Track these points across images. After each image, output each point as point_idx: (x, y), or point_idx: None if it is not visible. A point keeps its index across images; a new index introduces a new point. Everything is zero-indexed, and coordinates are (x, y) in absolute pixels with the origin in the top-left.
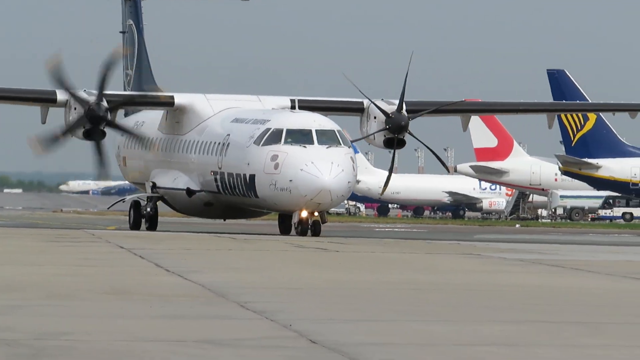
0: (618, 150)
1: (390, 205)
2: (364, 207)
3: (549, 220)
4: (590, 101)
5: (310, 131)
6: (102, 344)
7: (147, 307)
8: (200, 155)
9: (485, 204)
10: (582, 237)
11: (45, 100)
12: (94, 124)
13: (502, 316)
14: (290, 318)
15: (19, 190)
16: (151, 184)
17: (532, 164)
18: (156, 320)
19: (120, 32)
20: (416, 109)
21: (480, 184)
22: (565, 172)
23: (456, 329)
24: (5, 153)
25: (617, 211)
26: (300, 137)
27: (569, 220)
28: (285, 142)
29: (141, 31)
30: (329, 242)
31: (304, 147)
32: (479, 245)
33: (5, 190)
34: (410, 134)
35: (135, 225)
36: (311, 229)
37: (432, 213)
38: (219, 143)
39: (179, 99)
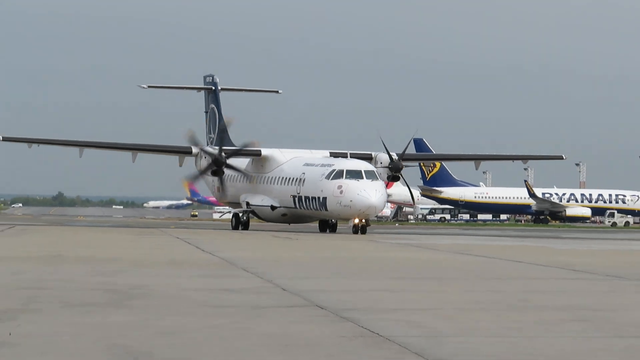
0: (452, 182)
1: None
2: None
3: (414, 221)
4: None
5: (360, 171)
6: (165, 290)
7: (191, 271)
8: (281, 185)
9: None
10: (431, 231)
11: (184, 152)
12: (218, 166)
13: (386, 275)
14: (272, 277)
15: (121, 207)
16: (245, 202)
17: (405, 190)
18: (196, 278)
19: (205, 112)
20: (409, 158)
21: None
22: (423, 195)
23: (361, 282)
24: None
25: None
26: (355, 174)
27: (425, 221)
28: (346, 177)
29: (220, 111)
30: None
31: (358, 180)
32: (375, 236)
33: (113, 207)
34: (400, 175)
35: (235, 227)
36: (361, 229)
37: None
38: (297, 178)
39: (264, 151)
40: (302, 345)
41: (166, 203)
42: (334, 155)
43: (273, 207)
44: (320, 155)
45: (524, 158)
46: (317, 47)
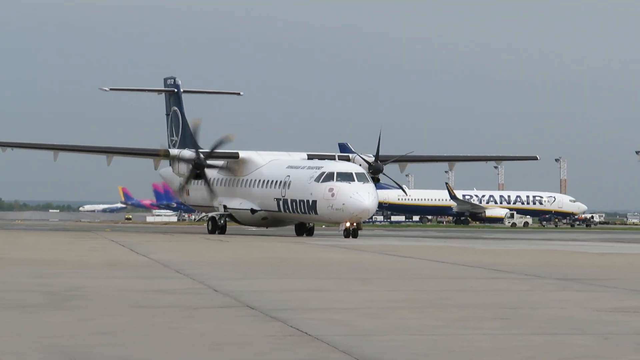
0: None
1: None
2: None
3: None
4: None
5: (351, 173)
6: (101, 292)
7: (126, 272)
8: (262, 188)
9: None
10: (363, 232)
11: (164, 155)
12: (199, 169)
13: (314, 275)
14: (205, 278)
15: (57, 211)
16: (222, 206)
17: None
18: (131, 279)
19: (166, 114)
20: (384, 159)
21: None
22: None
23: (291, 282)
24: (52, 188)
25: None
26: (346, 177)
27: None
28: (337, 180)
29: (184, 113)
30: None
31: (349, 183)
32: (306, 238)
33: (50, 211)
34: (384, 174)
35: (212, 232)
36: (353, 233)
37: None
38: (281, 181)
39: (242, 154)
40: (233, 344)
41: (101, 207)
42: (312, 157)
43: (253, 211)
44: (298, 157)
45: (498, 159)
46: (279, 48)
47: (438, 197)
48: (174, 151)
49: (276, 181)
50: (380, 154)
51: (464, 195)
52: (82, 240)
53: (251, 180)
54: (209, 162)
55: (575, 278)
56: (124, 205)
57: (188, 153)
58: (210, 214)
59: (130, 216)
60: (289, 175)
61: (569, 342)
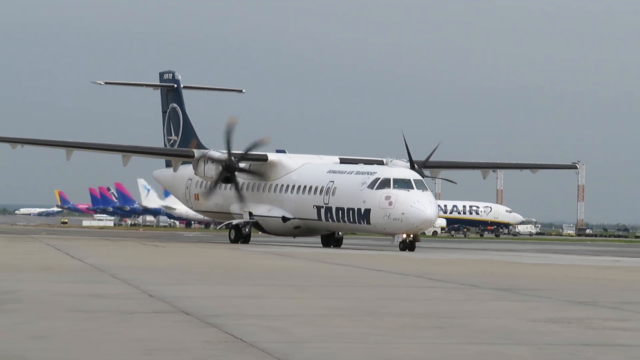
0: None
1: (192, 221)
2: (178, 222)
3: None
4: None
5: (409, 180)
6: (36, 295)
7: (61, 276)
8: (296, 194)
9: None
10: (298, 240)
11: (184, 156)
12: (230, 172)
13: (250, 282)
14: (140, 283)
15: None
16: (248, 213)
17: None
18: (66, 283)
19: (163, 111)
20: (424, 165)
21: None
22: None
23: (226, 288)
24: None
25: None
26: (403, 184)
27: None
28: (394, 187)
29: (184, 110)
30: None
31: (408, 191)
32: (240, 245)
33: None
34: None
35: (235, 240)
36: (410, 246)
37: (215, 225)
38: (322, 187)
39: (271, 156)
40: (168, 350)
41: (37, 210)
42: (344, 161)
43: (285, 219)
44: (330, 161)
45: (536, 167)
46: (280, 46)
47: None
48: (199, 152)
49: (315, 187)
50: (431, 160)
51: None
52: (17, 243)
53: (282, 185)
54: (241, 164)
55: (510, 288)
56: (60, 209)
57: (217, 154)
58: (234, 222)
59: (67, 220)
60: (332, 181)
61: (503, 352)
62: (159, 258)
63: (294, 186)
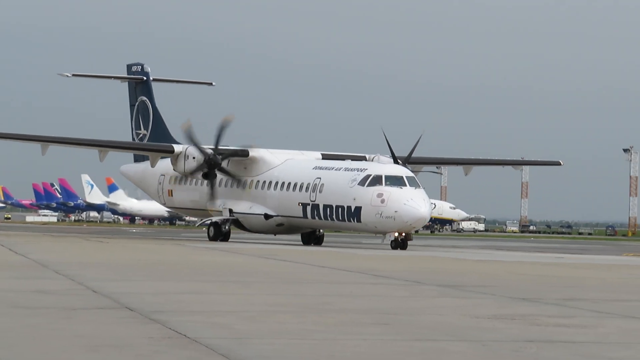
0: None
1: (136, 217)
2: (122, 218)
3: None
4: None
5: (402, 177)
6: None
7: (3, 272)
8: (280, 191)
9: (187, 217)
10: (240, 236)
11: (163, 151)
12: (211, 168)
13: (194, 278)
14: (84, 279)
15: None
16: (228, 210)
17: None
18: (8, 279)
19: (131, 105)
20: (414, 161)
21: None
22: None
23: (170, 284)
24: None
25: None
26: (396, 181)
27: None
28: (386, 184)
29: (154, 103)
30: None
31: (401, 188)
32: (184, 240)
33: None
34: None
35: (214, 238)
36: (402, 244)
37: (159, 221)
38: (308, 184)
39: (252, 152)
40: (112, 346)
41: None
42: (326, 157)
43: (267, 216)
44: (312, 157)
45: (520, 163)
46: (250, 38)
47: None
48: (179, 147)
49: (301, 184)
50: (414, 156)
51: None
52: None
53: (264, 181)
54: (223, 163)
55: (454, 285)
56: (3, 205)
57: (197, 150)
58: (214, 219)
59: (10, 216)
60: (319, 178)
61: (447, 349)
62: (103, 254)
63: (277, 183)
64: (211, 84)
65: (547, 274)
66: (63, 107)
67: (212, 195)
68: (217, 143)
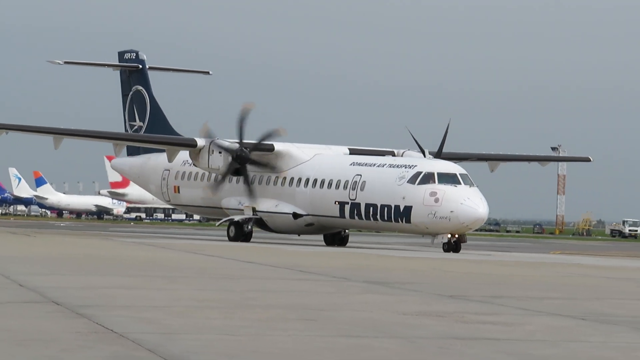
0: None
1: (64, 211)
2: (50, 212)
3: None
4: None
5: (455, 174)
6: None
7: None
8: (311, 189)
9: (114, 212)
10: (164, 230)
11: (185, 145)
12: (241, 163)
13: (121, 273)
14: (10, 273)
15: None
16: (251, 208)
17: (142, 191)
18: None
19: (124, 94)
20: (446, 157)
21: (112, 201)
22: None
23: (97, 279)
24: None
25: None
26: (449, 178)
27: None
28: (439, 182)
29: (151, 93)
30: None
31: (455, 186)
32: (114, 234)
33: None
34: None
35: (235, 239)
36: (455, 246)
37: (87, 216)
38: (347, 181)
39: (277, 146)
40: (38, 340)
41: None
42: (353, 152)
43: (296, 215)
44: (340, 151)
45: (547, 159)
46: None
47: None
48: (201, 141)
49: (338, 181)
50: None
51: None
52: None
53: (291, 178)
54: (253, 156)
55: (381, 281)
56: None
57: (227, 143)
58: (236, 218)
59: None
60: (359, 174)
61: (373, 345)
62: (30, 248)
63: (307, 179)
64: (208, 72)
65: (474, 271)
66: (53, 95)
67: (251, 193)
68: (241, 135)
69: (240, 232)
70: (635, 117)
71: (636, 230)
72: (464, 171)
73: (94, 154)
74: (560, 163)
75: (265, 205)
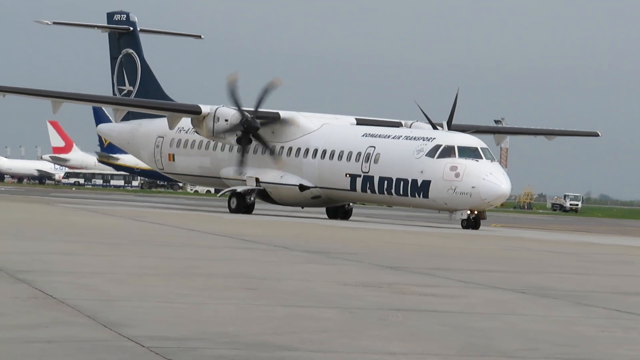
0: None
1: (5, 175)
2: None
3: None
4: None
5: (476, 148)
6: None
7: None
8: (320, 160)
9: (56, 177)
10: (108, 196)
11: (189, 112)
12: (248, 132)
13: (62, 239)
14: None
15: None
16: (255, 179)
17: (85, 157)
18: None
19: (112, 57)
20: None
21: (54, 166)
22: (100, 162)
23: (38, 244)
24: None
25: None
26: (470, 153)
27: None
28: (460, 156)
29: (142, 56)
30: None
31: (477, 161)
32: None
33: None
34: None
35: (236, 210)
36: (475, 223)
37: (28, 180)
38: (359, 153)
39: (283, 114)
40: None
41: None
42: (361, 122)
43: (303, 187)
44: (347, 121)
45: (556, 134)
46: None
47: None
48: (206, 108)
49: (349, 152)
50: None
51: None
52: None
53: (298, 148)
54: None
55: (322, 251)
56: None
57: (233, 111)
58: (239, 189)
59: None
60: (373, 146)
61: (313, 315)
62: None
63: (316, 150)
64: (200, 36)
65: (416, 243)
66: (39, 57)
67: (242, 163)
68: (258, 105)
69: (242, 204)
70: (563, 91)
71: (577, 205)
72: (484, 145)
73: (36, 118)
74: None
75: (270, 176)
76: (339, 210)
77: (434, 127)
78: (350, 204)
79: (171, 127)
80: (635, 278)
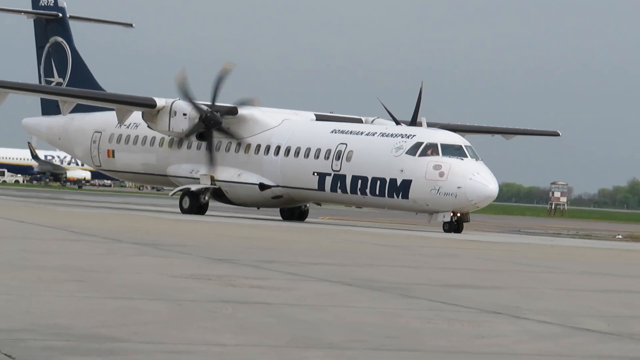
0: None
1: None
2: None
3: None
4: None
5: (461, 146)
6: None
7: None
8: (284, 157)
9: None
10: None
11: (143, 105)
12: (209, 127)
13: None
14: None
15: None
16: (209, 177)
17: None
18: None
19: (39, 47)
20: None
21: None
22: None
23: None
24: None
25: None
26: (454, 150)
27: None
28: (443, 154)
29: (73, 45)
30: None
31: (462, 159)
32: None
33: None
34: None
35: (189, 211)
36: (458, 226)
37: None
38: (330, 150)
39: (241, 110)
40: None
41: None
42: (320, 118)
43: (263, 186)
44: (307, 117)
45: (514, 132)
46: None
47: (20, 156)
48: (161, 101)
49: (317, 149)
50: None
51: (45, 156)
52: None
53: (258, 145)
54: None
55: (153, 244)
56: None
57: (189, 106)
58: (193, 188)
59: None
60: (344, 143)
61: (142, 307)
62: None
63: (278, 147)
64: (131, 25)
65: (248, 236)
66: None
67: (212, 160)
68: (214, 98)
69: (195, 204)
70: (521, 94)
71: None
72: (468, 143)
73: None
74: None
75: (226, 174)
76: (294, 211)
77: (397, 124)
78: (307, 205)
79: (121, 121)
80: (459, 271)
